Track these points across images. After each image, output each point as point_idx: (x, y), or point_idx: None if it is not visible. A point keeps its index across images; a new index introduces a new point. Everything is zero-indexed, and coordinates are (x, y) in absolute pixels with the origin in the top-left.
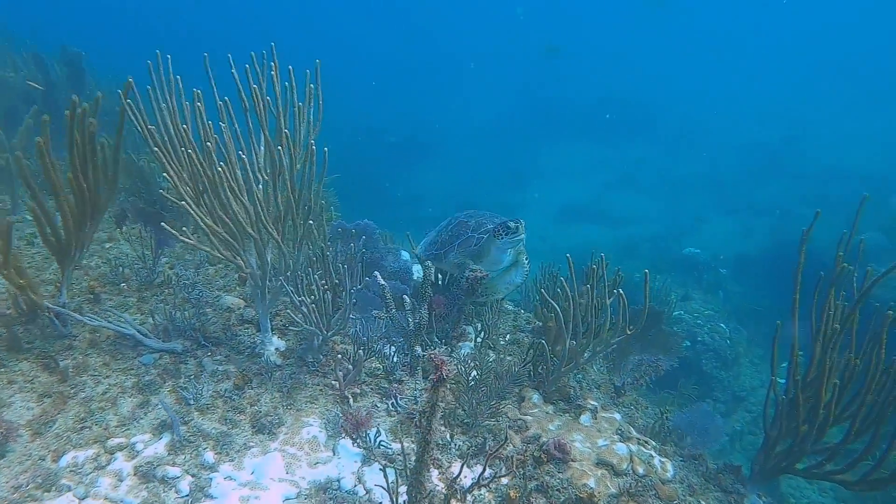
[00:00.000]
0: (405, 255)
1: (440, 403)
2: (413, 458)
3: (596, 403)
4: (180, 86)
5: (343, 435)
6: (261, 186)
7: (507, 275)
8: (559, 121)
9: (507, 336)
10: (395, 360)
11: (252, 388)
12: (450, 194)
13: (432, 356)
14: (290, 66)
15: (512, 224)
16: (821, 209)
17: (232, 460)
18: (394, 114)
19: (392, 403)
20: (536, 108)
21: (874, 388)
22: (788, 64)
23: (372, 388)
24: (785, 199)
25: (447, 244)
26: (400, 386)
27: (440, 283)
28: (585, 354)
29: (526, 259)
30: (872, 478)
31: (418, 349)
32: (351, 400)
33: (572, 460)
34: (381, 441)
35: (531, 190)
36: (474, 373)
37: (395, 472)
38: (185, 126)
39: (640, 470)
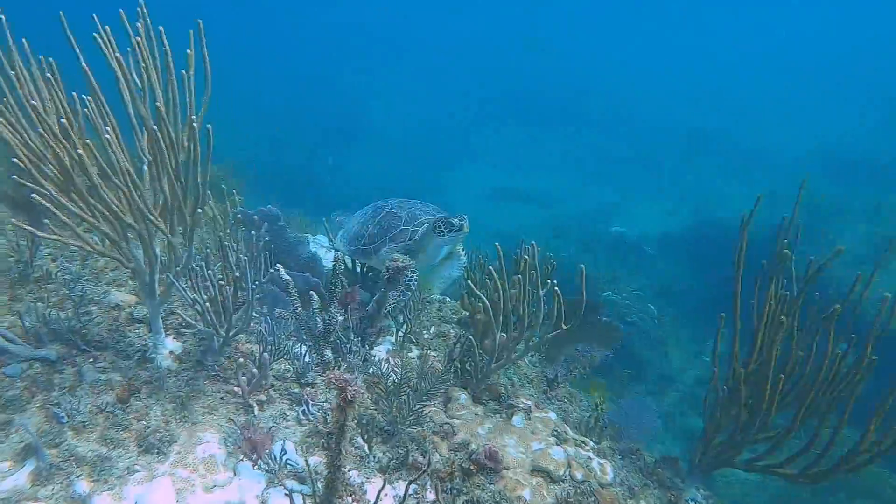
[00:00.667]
0: (323, 240)
1: (349, 424)
2: (323, 481)
3: (529, 402)
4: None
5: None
6: (145, 169)
7: (441, 269)
8: (489, 104)
9: (432, 328)
10: (306, 360)
11: (140, 400)
12: (381, 175)
13: (333, 379)
14: (162, 27)
15: (456, 221)
16: (745, 190)
17: (111, 489)
18: (324, 95)
19: (303, 411)
20: (470, 92)
21: (819, 380)
22: (715, 49)
23: (281, 394)
24: (709, 179)
25: (377, 238)
26: (312, 390)
27: (357, 273)
28: (517, 349)
29: (463, 251)
30: (814, 470)
31: (328, 353)
32: (256, 409)
33: (505, 468)
34: (287, 459)
35: (462, 171)
36: (393, 376)
37: (303, 499)
38: (45, 98)
39: (579, 475)
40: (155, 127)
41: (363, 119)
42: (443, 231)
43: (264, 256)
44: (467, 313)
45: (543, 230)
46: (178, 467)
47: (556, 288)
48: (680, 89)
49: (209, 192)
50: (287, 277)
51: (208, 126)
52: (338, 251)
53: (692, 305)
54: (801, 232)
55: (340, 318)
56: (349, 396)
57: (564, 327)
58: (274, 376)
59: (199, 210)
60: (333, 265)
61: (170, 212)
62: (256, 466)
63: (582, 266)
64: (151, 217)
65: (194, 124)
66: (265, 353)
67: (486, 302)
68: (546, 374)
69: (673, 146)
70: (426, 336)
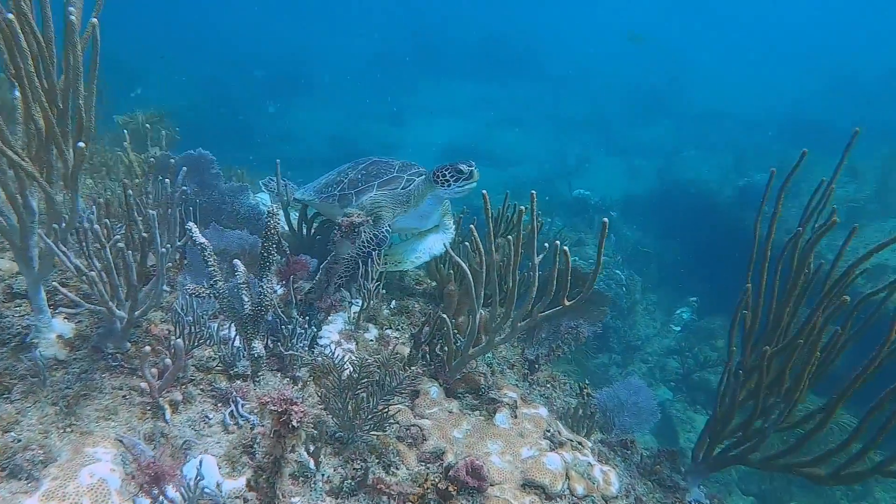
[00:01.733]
0: (266, 200)
1: (288, 456)
2: None
3: (514, 395)
4: None
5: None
6: (17, 94)
7: (423, 238)
8: (442, 57)
9: (392, 302)
10: (236, 345)
11: (12, 402)
12: (324, 132)
13: (267, 402)
14: None
15: (465, 167)
16: (703, 151)
17: None
18: (263, 45)
19: (231, 412)
20: (418, 42)
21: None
22: (672, 7)
23: (202, 391)
24: (669, 139)
25: (360, 182)
26: (244, 384)
27: (303, 235)
28: (503, 330)
29: (451, 219)
30: (848, 471)
31: (257, 345)
32: (168, 411)
33: (490, 485)
34: (204, 489)
35: (412, 128)
36: (348, 367)
37: None
38: None
39: (580, 489)
40: (10, 17)
41: (307, 67)
42: (448, 180)
43: (182, 211)
44: (435, 284)
45: (502, 192)
46: (53, 500)
47: (566, 249)
48: (636, 48)
49: (126, 134)
50: (201, 239)
51: (93, 21)
52: (299, 201)
53: (659, 271)
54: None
55: (280, 291)
56: (293, 422)
57: (567, 303)
58: (194, 366)
59: (82, 144)
60: (267, 225)
61: (46, 149)
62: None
63: (605, 220)
64: (11, 154)
65: (72, 17)
66: (180, 339)
67: (466, 269)
68: (526, 354)
69: (630, 106)
70: (385, 312)
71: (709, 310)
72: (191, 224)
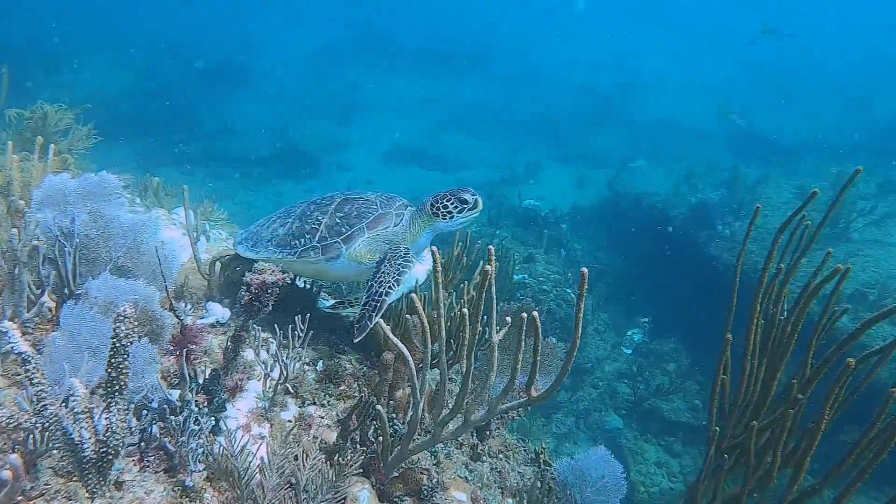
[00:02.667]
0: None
1: None
2: None
3: (464, 497)
4: None
5: None
6: None
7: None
8: (390, 54)
9: (320, 364)
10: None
11: None
12: (266, 128)
13: None
14: None
15: (469, 197)
16: (655, 162)
17: None
18: (204, 34)
19: None
20: (365, 37)
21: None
22: (623, 11)
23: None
24: (619, 148)
25: (342, 226)
26: (119, 494)
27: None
28: (453, 423)
29: (428, 252)
30: None
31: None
32: None
33: None
34: None
35: (357, 126)
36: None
37: None
38: None
39: None
40: None
41: (251, 59)
42: (451, 212)
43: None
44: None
45: None
46: None
47: (535, 315)
48: (586, 53)
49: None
50: (21, 348)
51: None
52: (250, 259)
53: (609, 288)
54: (727, 211)
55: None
56: None
57: (535, 395)
58: (53, 471)
59: None
60: (115, 326)
61: None
62: None
63: (584, 269)
64: None
65: None
66: (15, 455)
67: (425, 324)
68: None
69: (581, 111)
70: (311, 377)
71: (661, 332)
72: (6, 325)
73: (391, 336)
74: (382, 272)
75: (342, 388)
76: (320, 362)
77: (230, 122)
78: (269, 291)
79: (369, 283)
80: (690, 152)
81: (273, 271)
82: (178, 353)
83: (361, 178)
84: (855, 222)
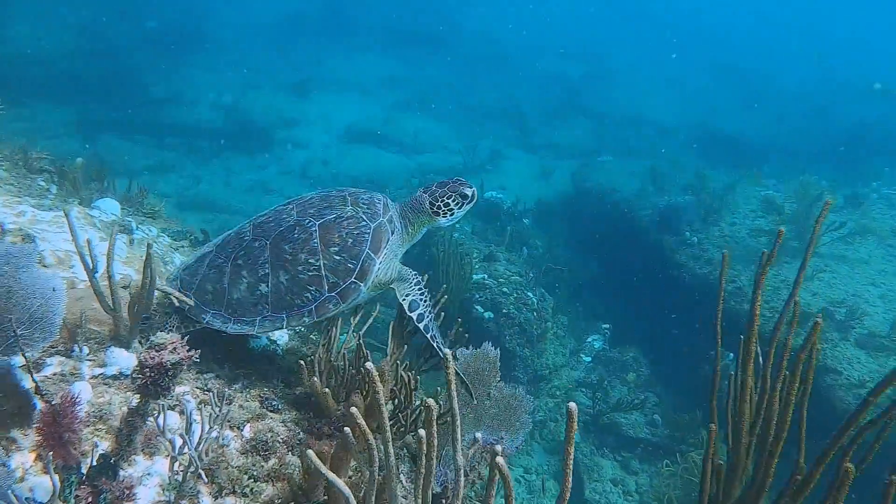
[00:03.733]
0: (109, 207)
1: None
2: None
3: None
4: None
5: None
6: None
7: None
8: (354, 27)
9: (246, 429)
10: None
11: None
12: (217, 98)
13: None
14: None
15: (468, 190)
16: (621, 158)
17: None
18: None
19: None
20: (329, 9)
21: None
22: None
23: None
24: (584, 139)
25: (345, 262)
26: None
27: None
28: None
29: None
30: None
31: None
32: None
33: None
34: None
35: (315, 102)
36: None
37: None
38: None
39: None
40: None
41: (206, 23)
42: (452, 209)
43: None
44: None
45: (407, 185)
46: None
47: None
48: (554, 40)
49: None
50: None
51: None
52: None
53: (570, 289)
54: (694, 218)
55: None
56: None
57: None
58: None
59: None
60: None
61: None
62: None
63: (572, 405)
64: None
65: None
66: None
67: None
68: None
69: (547, 99)
70: (235, 446)
71: (621, 339)
72: None
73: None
74: (426, 327)
75: (272, 462)
76: (247, 426)
77: (180, 90)
78: (169, 374)
79: (434, 342)
80: (656, 148)
81: (176, 348)
82: (46, 443)
83: (317, 158)
84: (824, 236)
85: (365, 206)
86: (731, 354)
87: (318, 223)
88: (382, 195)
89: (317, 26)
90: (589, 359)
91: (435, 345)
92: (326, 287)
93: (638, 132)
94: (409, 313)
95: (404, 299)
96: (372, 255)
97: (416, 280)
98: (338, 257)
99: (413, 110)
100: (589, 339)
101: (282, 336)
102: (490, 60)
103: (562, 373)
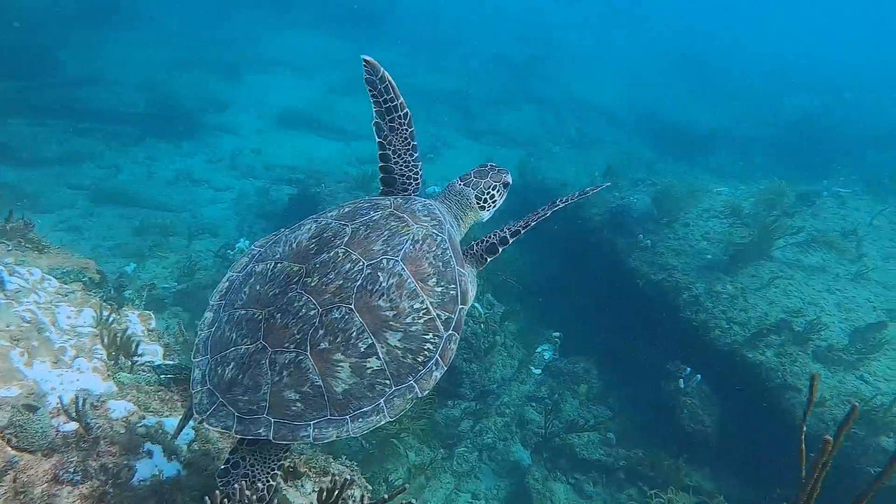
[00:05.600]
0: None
1: None
2: None
3: None
4: None
5: None
6: None
7: None
8: (289, 2)
9: None
10: None
11: None
12: (140, 78)
13: None
14: None
15: (509, 177)
16: (569, 149)
17: None
18: None
19: None
20: None
21: None
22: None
23: None
24: (530, 126)
25: (445, 304)
26: None
27: None
28: None
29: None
30: None
31: None
32: None
33: None
34: None
35: (247, 84)
36: None
37: None
38: None
39: None
40: None
41: None
42: (496, 200)
43: None
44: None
45: (345, 176)
46: None
47: None
48: (498, 21)
49: None
50: None
51: None
52: None
53: (521, 294)
54: (647, 219)
55: None
56: None
57: None
58: None
59: None
60: None
61: None
62: None
63: None
64: None
65: None
66: None
67: None
68: None
69: (493, 83)
70: None
71: (573, 348)
72: None
73: None
74: None
75: None
76: None
77: (99, 69)
78: None
79: None
80: (605, 136)
81: None
82: None
83: (248, 145)
84: (779, 240)
85: (427, 218)
86: (688, 369)
87: (398, 258)
88: (421, 198)
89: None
90: (539, 371)
91: None
92: (442, 327)
93: (584, 117)
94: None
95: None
96: (462, 270)
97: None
98: (439, 289)
99: (352, 93)
100: (539, 350)
101: (184, 437)
102: (433, 41)
103: (511, 387)
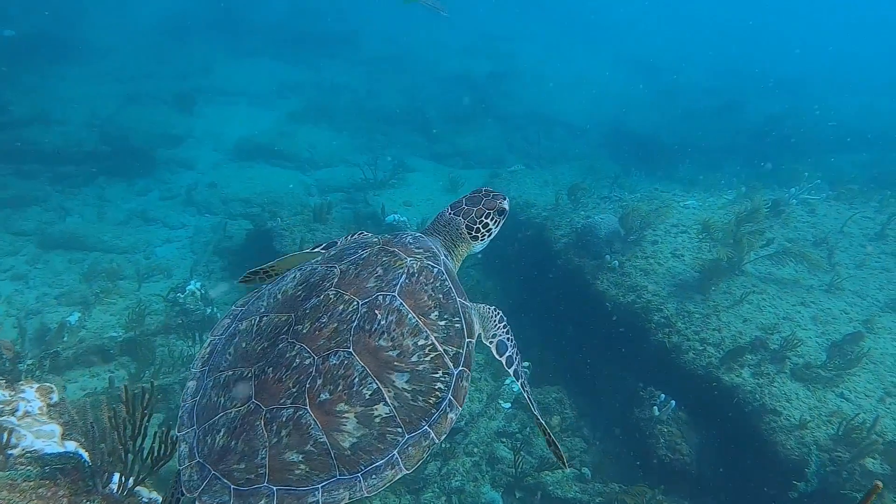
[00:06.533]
0: None
1: None
2: None
3: None
4: None
5: None
6: None
7: None
8: (245, 29)
9: None
10: None
11: None
12: (91, 116)
13: None
14: None
15: (505, 204)
16: (532, 166)
17: None
18: None
19: None
20: (216, 9)
21: None
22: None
23: None
24: (493, 145)
25: (451, 340)
26: None
27: None
28: None
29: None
30: None
31: None
32: None
33: None
34: None
35: (202, 116)
36: None
37: None
38: None
39: None
40: None
41: (76, 30)
42: (491, 230)
43: None
44: None
45: (302, 209)
46: None
47: None
48: (457, 37)
49: None
50: None
51: None
52: None
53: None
54: (615, 238)
55: None
56: None
57: None
58: None
59: None
60: None
61: None
62: None
63: None
64: None
65: None
66: None
67: None
68: None
69: (448, 99)
70: None
71: (543, 377)
72: None
73: None
74: (517, 373)
75: None
76: None
77: (45, 108)
78: None
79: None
80: (568, 152)
81: None
82: None
83: (205, 179)
84: (750, 254)
85: (420, 251)
86: (663, 395)
87: (394, 293)
88: (411, 232)
89: (204, 28)
90: (508, 405)
91: (526, 395)
92: (451, 363)
93: (548, 133)
94: (498, 357)
95: (491, 341)
96: (465, 302)
97: (497, 316)
98: (442, 322)
99: (309, 120)
100: (508, 381)
101: None
102: (391, 61)
103: (479, 423)
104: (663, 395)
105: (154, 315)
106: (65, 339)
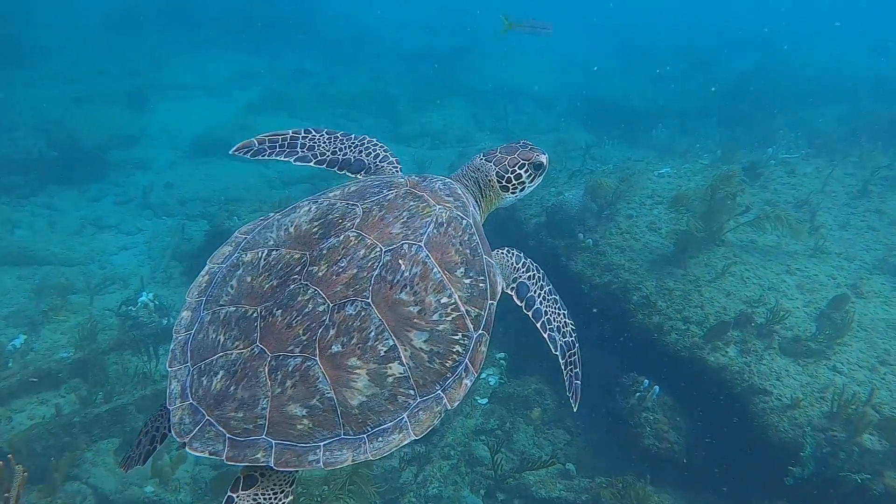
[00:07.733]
0: None
1: None
2: None
3: None
4: None
5: None
6: None
7: None
8: (199, 20)
9: None
10: None
11: None
12: (36, 120)
13: None
14: None
15: (543, 157)
16: (498, 139)
17: None
18: None
19: None
20: (165, 0)
21: None
22: None
23: None
24: (460, 122)
25: (475, 298)
26: None
27: None
28: None
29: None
30: None
31: None
32: None
33: None
34: None
35: (157, 113)
36: None
37: None
38: None
39: None
40: None
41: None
42: (524, 182)
43: None
44: None
45: (261, 205)
46: None
47: None
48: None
49: None
50: None
51: None
52: None
53: None
54: (587, 214)
55: None
56: None
57: None
58: None
59: None
60: None
61: None
62: None
63: None
64: None
65: None
66: None
67: None
68: None
69: (417, 80)
70: None
71: (520, 368)
72: None
73: None
74: (547, 315)
75: None
76: None
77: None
78: None
79: (549, 334)
80: (539, 124)
81: None
82: None
83: (160, 181)
84: (729, 222)
85: (450, 199)
86: (647, 381)
87: (421, 243)
88: (440, 176)
89: (155, 20)
90: (485, 401)
91: (548, 338)
92: (472, 325)
93: (516, 107)
94: (518, 302)
95: (511, 287)
96: (490, 260)
97: (514, 257)
98: (467, 280)
99: (269, 110)
100: (483, 376)
101: None
102: (351, 43)
103: (455, 423)
104: (646, 381)
105: (107, 331)
106: (10, 365)
